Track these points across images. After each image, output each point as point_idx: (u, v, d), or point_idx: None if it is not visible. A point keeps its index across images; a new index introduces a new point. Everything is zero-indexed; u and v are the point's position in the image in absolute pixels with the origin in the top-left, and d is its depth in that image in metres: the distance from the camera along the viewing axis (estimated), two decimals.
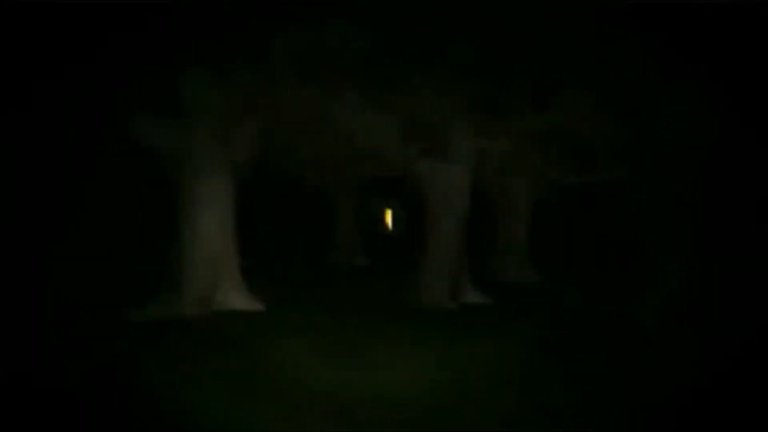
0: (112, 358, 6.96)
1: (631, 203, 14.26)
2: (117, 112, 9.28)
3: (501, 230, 14.60)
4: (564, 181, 14.02)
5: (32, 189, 11.20)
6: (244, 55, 8.80)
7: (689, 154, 10.27)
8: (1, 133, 9.57)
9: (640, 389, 6.06)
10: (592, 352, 7.58)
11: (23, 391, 5.74)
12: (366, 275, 15.62)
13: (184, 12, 7.98)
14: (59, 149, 10.71)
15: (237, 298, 9.82)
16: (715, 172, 10.29)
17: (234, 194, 9.89)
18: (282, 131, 11.38)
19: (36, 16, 7.75)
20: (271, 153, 12.54)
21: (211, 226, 9.38)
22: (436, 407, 5.50)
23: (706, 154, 10.21)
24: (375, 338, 8.06)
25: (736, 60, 8.70)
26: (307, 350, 7.38)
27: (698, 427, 5.17)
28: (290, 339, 7.94)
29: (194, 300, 9.33)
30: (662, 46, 8.81)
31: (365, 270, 16.79)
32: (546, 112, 10.71)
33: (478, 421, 5.18)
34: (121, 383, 6.04)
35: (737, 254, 10.24)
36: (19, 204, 11.02)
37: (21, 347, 7.25)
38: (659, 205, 11.38)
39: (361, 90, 9.64)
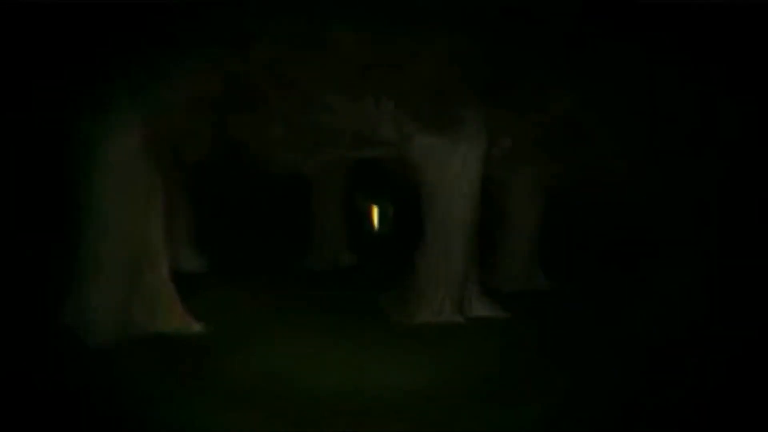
0: None
1: (640, 204, 13.68)
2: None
3: (506, 232, 13.48)
4: (574, 177, 13.00)
5: None
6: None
7: (695, 154, 10.04)
8: None
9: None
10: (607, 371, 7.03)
11: None
12: (354, 279, 14.31)
13: None
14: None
15: (164, 319, 7.81)
16: (720, 172, 10.12)
17: (163, 184, 8.10)
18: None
19: None
20: (230, 133, 10.31)
21: (126, 224, 7.49)
22: None
23: (712, 152, 9.97)
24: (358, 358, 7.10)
25: (739, 60, 8.67)
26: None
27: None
28: None
29: (103, 323, 7.19)
30: (669, 43, 8.56)
31: (352, 271, 15.41)
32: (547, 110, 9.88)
33: None
34: None
35: (742, 255, 10.08)
36: None
37: None
38: (665, 206, 11.17)
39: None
